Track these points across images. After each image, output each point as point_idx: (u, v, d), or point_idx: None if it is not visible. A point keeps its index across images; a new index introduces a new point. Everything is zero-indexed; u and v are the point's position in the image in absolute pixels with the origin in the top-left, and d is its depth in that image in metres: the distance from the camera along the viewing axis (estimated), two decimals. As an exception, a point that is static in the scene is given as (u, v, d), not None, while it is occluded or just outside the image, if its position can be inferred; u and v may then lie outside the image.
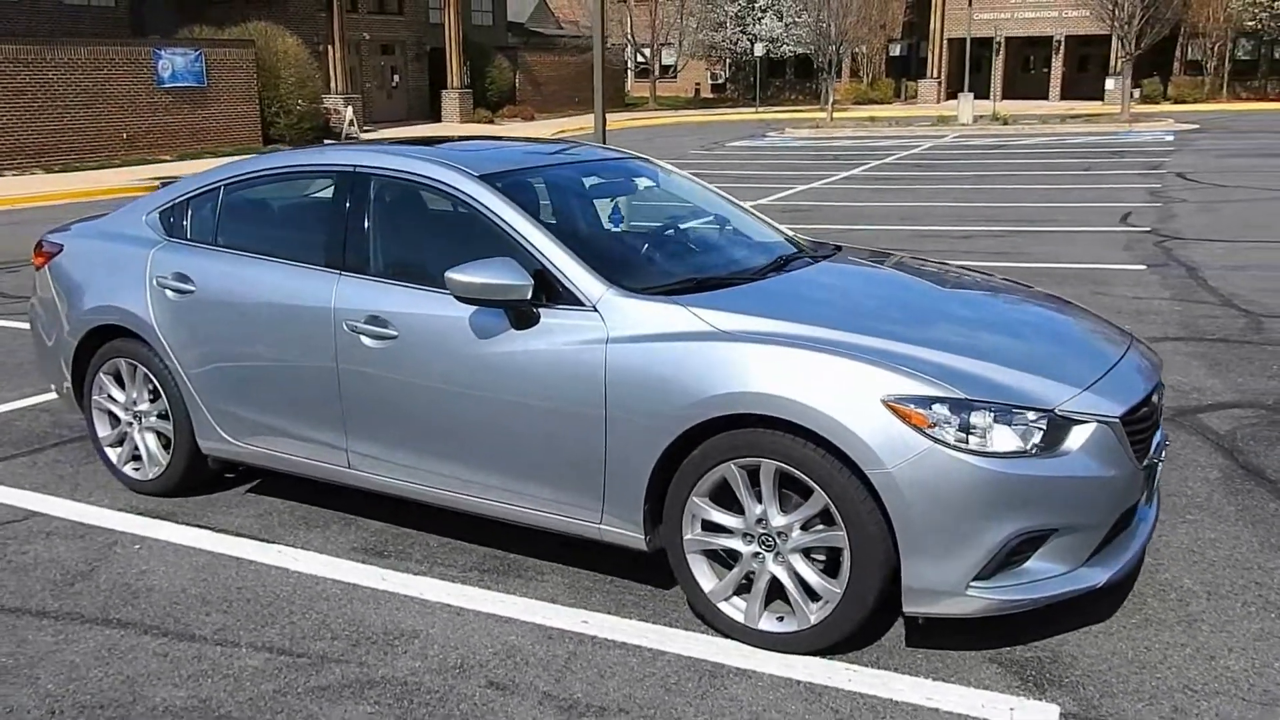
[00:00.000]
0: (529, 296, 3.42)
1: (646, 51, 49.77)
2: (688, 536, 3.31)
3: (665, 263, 4.06)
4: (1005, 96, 42.04)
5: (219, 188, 4.42)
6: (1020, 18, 43.55)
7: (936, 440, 2.90)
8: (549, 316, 3.47)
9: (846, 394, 2.97)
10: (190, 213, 4.48)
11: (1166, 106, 37.22)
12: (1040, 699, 2.94)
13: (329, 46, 31.59)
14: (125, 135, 24.26)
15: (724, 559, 3.33)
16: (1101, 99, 40.28)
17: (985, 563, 2.93)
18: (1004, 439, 2.94)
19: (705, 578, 3.32)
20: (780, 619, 3.23)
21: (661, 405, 3.22)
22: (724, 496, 3.24)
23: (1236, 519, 4.07)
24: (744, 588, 3.28)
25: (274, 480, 4.76)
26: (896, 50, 49.22)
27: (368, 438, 3.90)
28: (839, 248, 4.38)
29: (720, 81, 53.24)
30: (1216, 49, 40.67)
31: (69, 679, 3.16)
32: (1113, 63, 39.96)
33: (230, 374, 4.19)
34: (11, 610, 3.61)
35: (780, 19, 46.54)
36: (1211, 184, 15.59)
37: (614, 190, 4.44)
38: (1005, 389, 3.01)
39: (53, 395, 6.15)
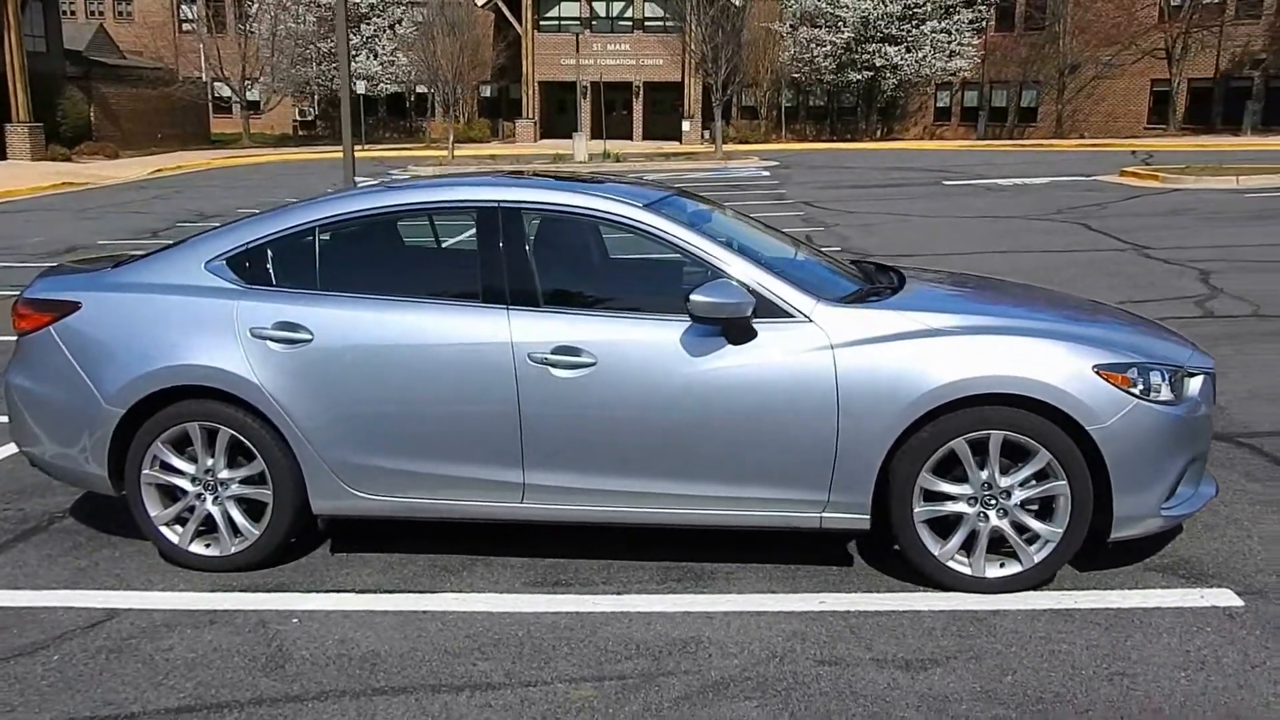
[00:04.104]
0: (750, 313, 3.75)
1: (232, 86, 46.92)
2: (917, 509, 3.82)
3: (825, 277, 4.48)
4: (595, 136, 45.33)
5: (310, 229, 4.11)
6: (603, 64, 47.22)
7: (1137, 396, 3.72)
8: (765, 330, 3.81)
9: (1067, 368, 3.70)
10: (274, 258, 4.11)
11: (734, 146, 42.34)
12: (1211, 586, 3.86)
13: None
14: None
15: (939, 524, 3.89)
16: (679, 139, 44.87)
17: (1171, 489, 3.80)
18: (1164, 391, 3.83)
19: (932, 542, 3.85)
20: (1001, 565, 3.86)
21: (897, 397, 3.72)
22: (942, 468, 3.81)
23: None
24: (966, 545, 3.86)
25: (352, 536, 4.45)
26: (488, 92, 51.01)
27: (555, 468, 3.91)
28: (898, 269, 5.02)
29: (310, 118, 51.63)
30: (768, 96, 47.19)
31: (426, 746, 2.96)
32: (686, 106, 44.82)
33: (367, 424, 3.94)
34: (248, 703, 3.20)
35: (375, 57, 46.27)
36: (842, 210, 18.40)
37: (701, 218, 4.76)
38: (1159, 353, 3.93)
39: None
